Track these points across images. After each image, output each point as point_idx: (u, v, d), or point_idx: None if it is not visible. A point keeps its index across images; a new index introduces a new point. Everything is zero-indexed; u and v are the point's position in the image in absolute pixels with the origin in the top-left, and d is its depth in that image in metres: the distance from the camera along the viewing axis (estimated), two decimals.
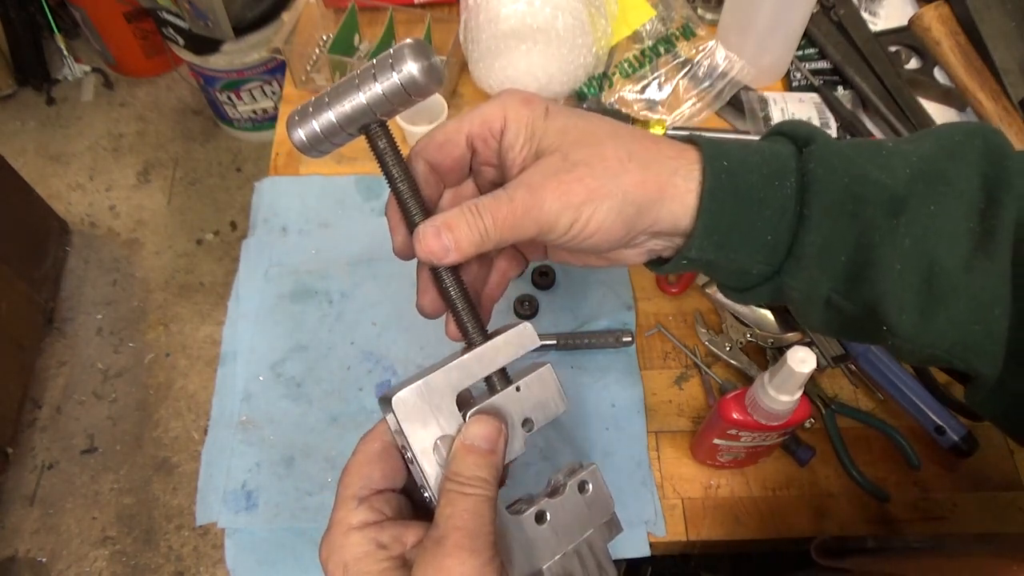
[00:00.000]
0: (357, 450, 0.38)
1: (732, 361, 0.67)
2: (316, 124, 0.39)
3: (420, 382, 0.38)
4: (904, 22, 0.88)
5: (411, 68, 0.36)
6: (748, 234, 0.38)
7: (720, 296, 0.70)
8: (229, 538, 0.59)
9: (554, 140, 0.38)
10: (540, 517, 0.39)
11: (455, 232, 0.36)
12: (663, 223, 0.38)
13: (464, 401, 0.39)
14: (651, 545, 0.59)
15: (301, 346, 0.68)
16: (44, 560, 1.50)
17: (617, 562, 0.73)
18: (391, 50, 0.37)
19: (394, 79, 0.36)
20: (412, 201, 0.40)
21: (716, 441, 0.57)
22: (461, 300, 0.41)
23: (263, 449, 0.63)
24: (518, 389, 0.41)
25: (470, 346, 0.41)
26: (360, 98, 0.38)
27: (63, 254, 1.88)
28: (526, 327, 0.41)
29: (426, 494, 0.38)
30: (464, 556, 0.32)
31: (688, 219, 0.38)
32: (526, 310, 0.69)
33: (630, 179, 0.37)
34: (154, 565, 1.50)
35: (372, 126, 0.39)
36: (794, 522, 0.61)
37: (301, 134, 0.40)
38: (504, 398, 0.40)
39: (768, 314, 0.69)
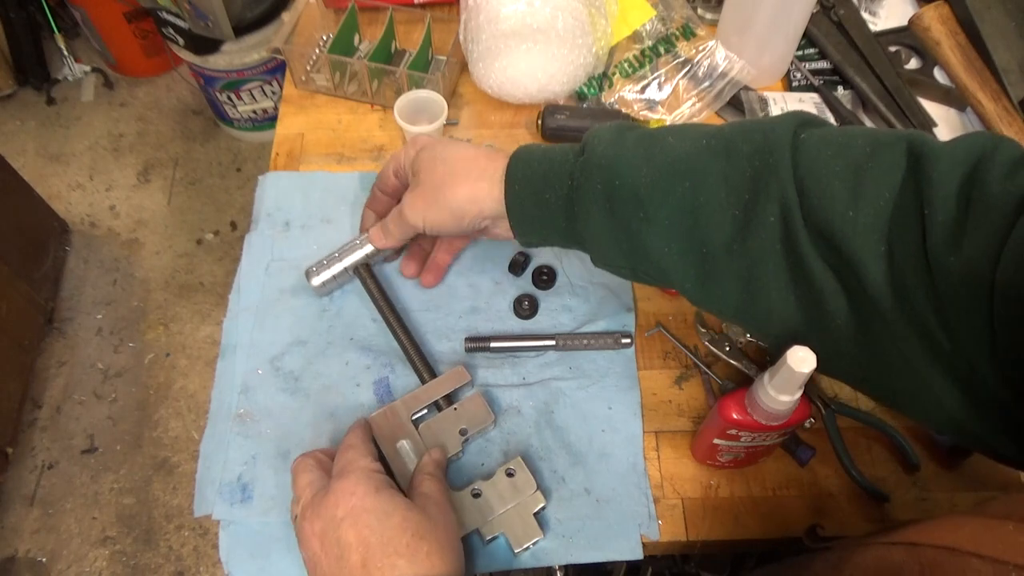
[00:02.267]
0: (354, 434, 0.57)
1: (732, 361, 0.67)
2: (328, 272, 0.68)
3: (386, 407, 0.62)
4: (904, 22, 0.88)
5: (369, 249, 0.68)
6: (545, 223, 0.55)
7: None
8: (223, 530, 0.59)
9: (415, 170, 0.61)
10: (476, 494, 0.58)
11: (381, 233, 0.66)
12: (488, 214, 0.57)
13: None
14: (644, 547, 0.59)
15: (300, 340, 0.68)
16: (44, 560, 1.50)
17: (615, 563, 0.73)
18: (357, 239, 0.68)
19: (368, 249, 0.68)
20: (391, 315, 0.68)
21: (716, 441, 0.57)
22: (415, 353, 0.66)
23: (260, 442, 0.63)
24: (455, 409, 0.62)
25: (423, 382, 0.64)
26: (352, 258, 0.68)
27: (63, 254, 1.89)
28: (460, 369, 0.64)
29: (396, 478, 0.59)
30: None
31: (497, 203, 0.56)
32: (525, 310, 0.69)
33: (448, 191, 0.57)
34: (154, 565, 1.50)
35: (360, 270, 0.69)
36: (794, 522, 0.61)
37: (318, 280, 0.68)
38: (445, 414, 0.62)
39: None
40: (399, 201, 0.64)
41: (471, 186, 0.57)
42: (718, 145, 0.48)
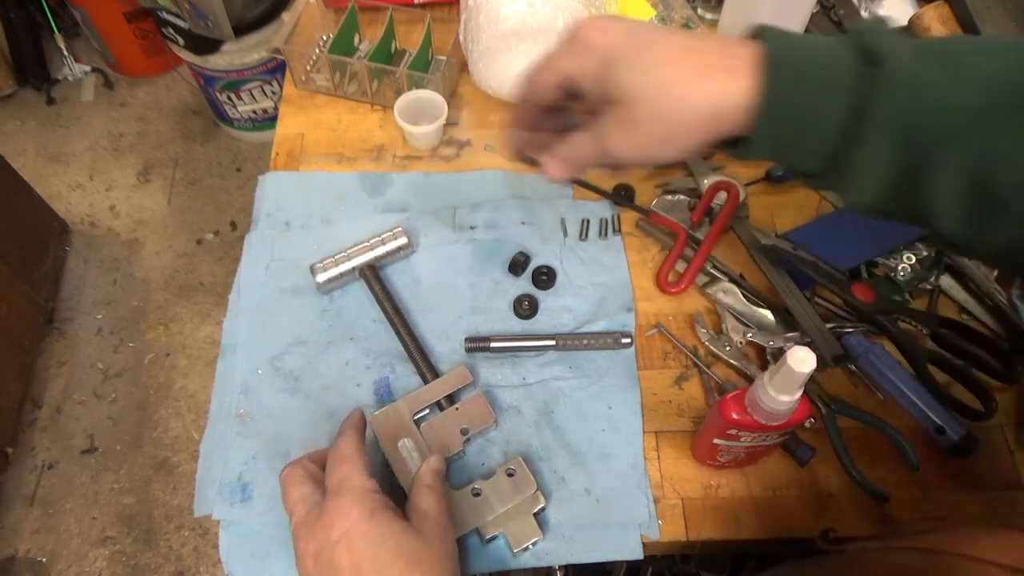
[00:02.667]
0: (347, 443, 0.53)
1: (732, 361, 0.67)
2: (335, 270, 0.69)
3: (389, 406, 0.62)
4: (904, 22, 0.88)
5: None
6: (801, 143, 0.42)
7: (720, 296, 0.70)
8: (223, 530, 0.59)
9: (616, 97, 0.43)
10: (476, 493, 0.59)
11: (561, 166, 0.50)
12: (729, 131, 0.43)
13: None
14: (644, 547, 0.59)
15: (300, 340, 0.68)
16: (44, 560, 1.50)
17: (615, 563, 0.73)
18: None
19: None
20: (396, 316, 0.68)
21: (716, 441, 0.57)
22: (418, 353, 0.66)
23: (259, 442, 0.63)
24: (457, 408, 0.62)
25: (425, 382, 0.65)
26: (362, 259, 0.69)
27: (63, 254, 1.88)
28: (463, 370, 0.64)
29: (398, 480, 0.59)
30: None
31: (745, 121, 0.41)
32: (525, 310, 0.69)
33: (676, 116, 0.42)
34: (154, 565, 1.50)
35: (365, 271, 0.70)
36: (794, 522, 0.61)
37: (324, 276, 0.68)
38: (447, 414, 0.62)
39: (768, 314, 0.69)
40: (554, 122, 0.52)
41: (704, 89, 0.41)
42: None
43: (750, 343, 0.68)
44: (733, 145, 0.44)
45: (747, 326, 0.68)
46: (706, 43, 0.43)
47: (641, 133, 0.44)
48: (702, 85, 0.41)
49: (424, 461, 0.56)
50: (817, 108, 0.40)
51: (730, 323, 0.68)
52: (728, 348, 0.67)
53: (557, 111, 0.52)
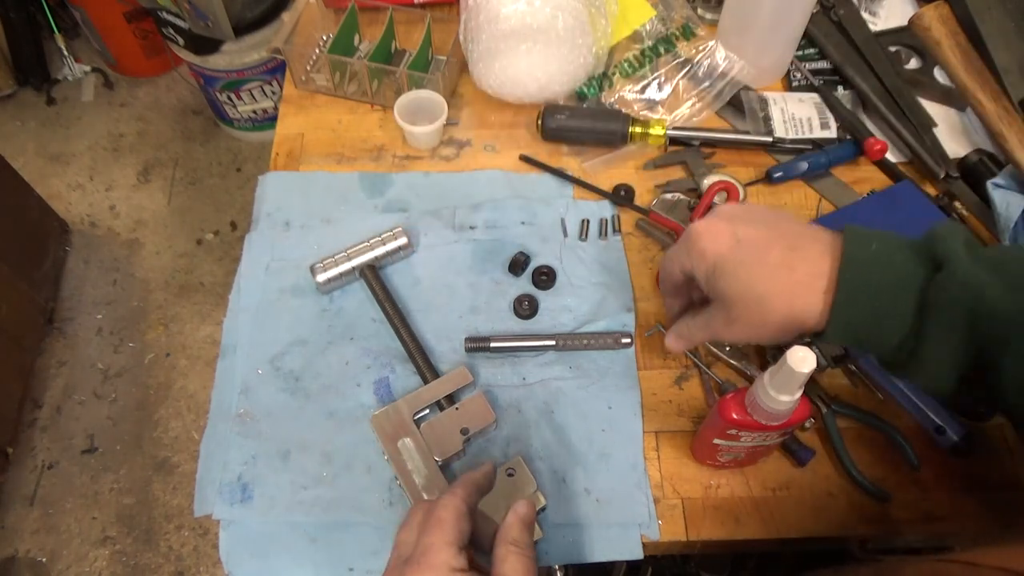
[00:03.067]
0: (449, 505, 0.47)
1: (732, 361, 0.67)
2: (335, 270, 0.69)
3: (389, 406, 0.62)
4: (904, 22, 0.88)
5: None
6: (874, 337, 0.48)
7: None
8: (223, 530, 0.59)
9: (716, 292, 0.53)
10: None
11: (680, 341, 0.60)
12: (809, 328, 0.50)
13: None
14: (644, 547, 0.59)
15: (300, 340, 0.68)
16: (44, 560, 1.50)
17: (615, 563, 0.73)
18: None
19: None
20: (396, 316, 0.68)
21: (716, 441, 0.57)
22: (418, 353, 0.66)
23: (260, 442, 0.63)
24: (457, 408, 0.62)
25: (425, 382, 0.64)
26: (361, 259, 0.70)
27: (63, 254, 1.88)
28: (463, 370, 0.64)
29: (397, 481, 0.60)
30: None
31: (822, 319, 0.49)
32: (525, 310, 0.69)
33: (764, 314, 0.51)
34: (154, 565, 1.50)
35: (365, 271, 0.70)
36: (794, 522, 0.61)
37: (324, 276, 0.68)
38: (447, 413, 0.62)
39: None
40: (693, 289, 0.60)
41: (790, 305, 0.49)
42: None
43: (750, 344, 0.67)
44: (815, 335, 0.51)
45: None
46: (800, 262, 0.50)
47: (740, 328, 0.53)
48: (790, 302, 0.49)
49: (512, 509, 0.49)
50: (886, 311, 0.47)
51: None
52: (728, 348, 0.67)
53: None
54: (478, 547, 0.50)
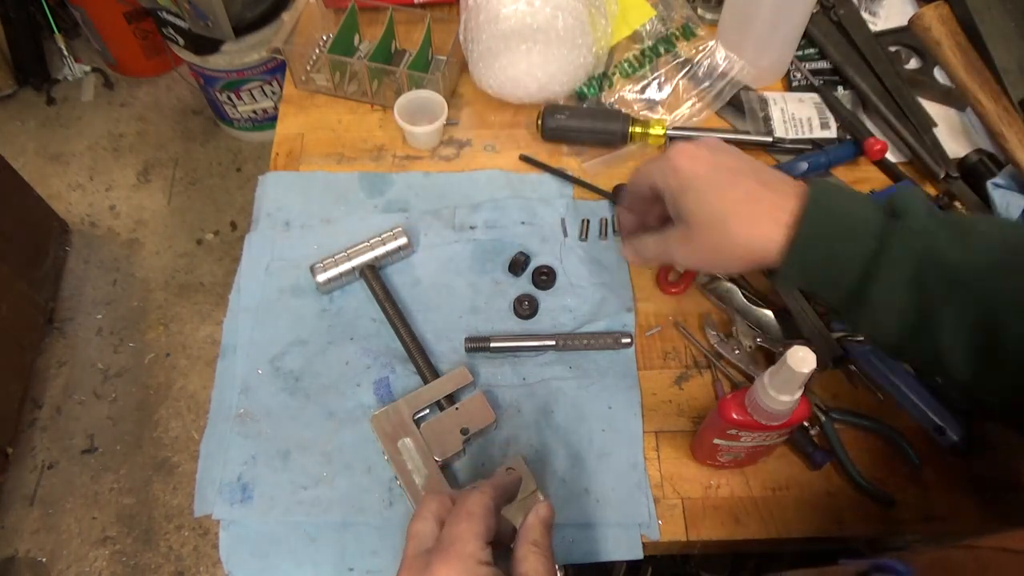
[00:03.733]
0: (479, 500, 0.46)
1: (741, 365, 0.66)
2: (335, 270, 0.69)
3: (389, 406, 0.62)
4: (904, 22, 0.88)
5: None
6: (827, 277, 0.50)
7: (722, 296, 0.70)
8: (224, 530, 0.59)
9: (682, 212, 0.55)
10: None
11: (633, 253, 0.63)
12: (766, 261, 0.52)
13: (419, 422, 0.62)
14: (644, 547, 0.59)
15: (301, 340, 0.68)
16: (44, 560, 1.50)
17: (615, 563, 0.73)
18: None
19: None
20: (396, 317, 0.68)
21: (716, 441, 0.57)
22: (418, 353, 0.66)
23: (259, 442, 0.63)
24: (457, 408, 0.62)
25: (425, 382, 0.65)
26: (361, 259, 0.70)
27: (63, 254, 1.88)
28: (463, 370, 0.64)
29: (397, 481, 0.60)
30: None
31: (780, 256, 0.51)
32: (525, 310, 0.69)
33: (724, 238, 0.52)
34: (154, 565, 1.50)
35: (365, 271, 0.70)
36: (794, 522, 0.61)
37: (324, 276, 0.68)
38: (447, 413, 0.62)
39: (769, 314, 0.69)
40: (653, 209, 0.62)
41: (751, 232, 0.51)
42: None
43: (760, 347, 0.67)
44: (770, 273, 0.52)
45: (756, 330, 0.68)
46: (768, 194, 0.52)
47: (695, 249, 0.55)
48: (750, 229, 0.51)
49: (532, 509, 0.48)
50: (842, 252, 0.49)
51: (740, 327, 0.68)
52: (736, 352, 0.67)
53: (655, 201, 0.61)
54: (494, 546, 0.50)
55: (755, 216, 0.51)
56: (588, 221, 0.76)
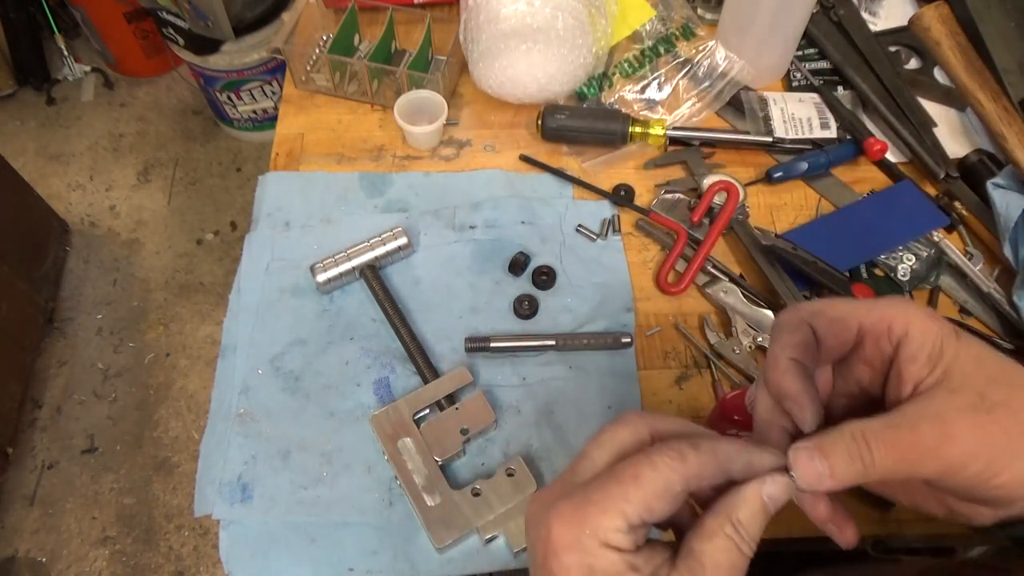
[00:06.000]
0: (658, 462, 0.33)
1: (741, 365, 0.66)
2: (335, 270, 0.69)
3: (389, 406, 0.62)
4: (904, 22, 0.88)
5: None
6: None
7: (720, 296, 0.70)
8: (223, 530, 0.60)
9: (968, 370, 0.33)
10: (476, 493, 0.59)
11: (831, 460, 0.34)
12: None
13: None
14: None
15: (300, 340, 0.68)
16: (44, 560, 1.50)
17: None
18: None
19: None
20: (396, 317, 0.68)
21: None
22: (418, 353, 0.66)
23: (260, 442, 0.63)
24: (457, 408, 0.63)
25: (425, 382, 0.65)
26: (361, 259, 0.69)
27: (63, 254, 1.88)
28: (463, 370, 0.64)
29: (397, 481, 0.60)
30: None
31: None
32: (525, 310, 0.69)
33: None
34: (154, 565, 1.50)
35: (365, 271, 0.70)
36: (794, 522, 0.60)
37: (324, 276, 0.68)
38: (447, 413, 0.62)
39: (769, 314, 0.69)
40: (821, 364, 0.39)
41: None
42: None
43: (760, 347, 0.67)
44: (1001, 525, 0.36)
45: (756, 330, 0.68)
46: None
47: (1001, 425, 0.32)
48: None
49: (757, 480, 0.36)
50: None
51: (740, 327, 0.68)
52: (736, 352, 0.67)
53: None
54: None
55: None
56: (588, 221, 0.76)
